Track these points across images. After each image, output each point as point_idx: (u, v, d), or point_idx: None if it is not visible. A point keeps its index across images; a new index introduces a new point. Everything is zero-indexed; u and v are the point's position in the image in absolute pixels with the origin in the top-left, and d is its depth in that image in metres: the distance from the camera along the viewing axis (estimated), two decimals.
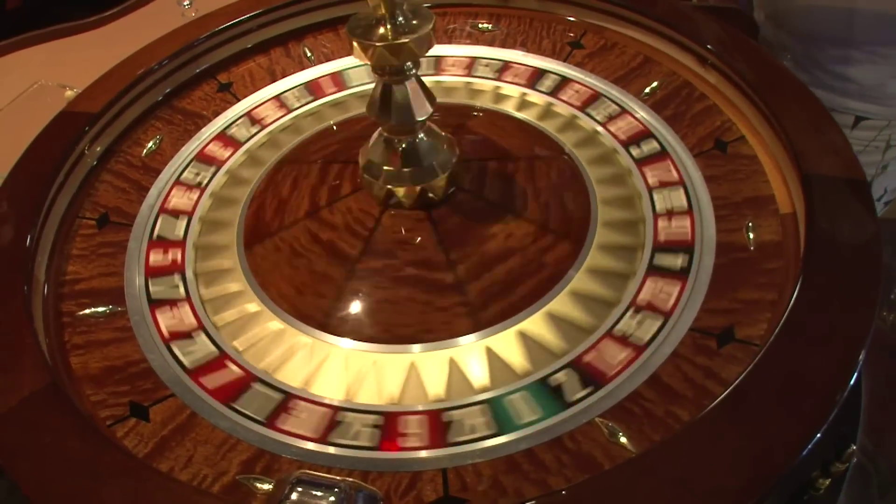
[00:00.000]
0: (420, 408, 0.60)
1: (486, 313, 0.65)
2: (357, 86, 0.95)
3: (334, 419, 0.59)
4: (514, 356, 0.63)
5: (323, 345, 0.65)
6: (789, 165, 0.72)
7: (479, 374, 0.62)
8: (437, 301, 0.67)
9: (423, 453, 0.56)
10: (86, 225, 0.79)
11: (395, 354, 0.64)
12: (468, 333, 0.64)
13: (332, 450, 0.57)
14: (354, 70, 0.97)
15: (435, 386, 0.61)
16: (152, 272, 0.74)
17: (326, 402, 0.61)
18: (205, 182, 0.83)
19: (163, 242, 0.77)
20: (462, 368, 0.62)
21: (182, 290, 0.72)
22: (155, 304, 0.71)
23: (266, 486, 0.55)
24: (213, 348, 0.66)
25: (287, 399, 0.61)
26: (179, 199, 0.82)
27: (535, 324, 0.65)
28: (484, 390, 0.60)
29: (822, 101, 0.74)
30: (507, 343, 0.63)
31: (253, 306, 0.69)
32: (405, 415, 0.59)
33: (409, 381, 0.62)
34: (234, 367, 0.64)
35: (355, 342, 0.65)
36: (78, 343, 0.68)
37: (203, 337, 0.67)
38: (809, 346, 0.56)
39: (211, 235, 0.77)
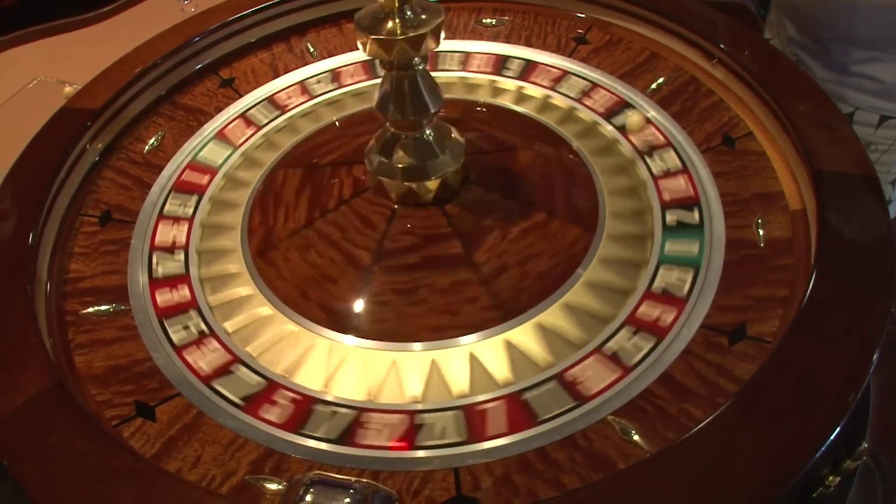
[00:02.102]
0: (440, 406, 0.59)
1: (510, 307, 0.65)
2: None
3: (359, 420, 0.59)
4: (534, 349, 0.62)
5: (340, 346, 0.64)
6: (798, 161, 0.72)
7: (498, 369, 0.61)
8: (456, 296, 0.66)
9: (435, 452, 0.56)
10: (88, 222, 0.79)
11: (411, 353, 0.63)
12: (490, 327, 0.64)
13: (342, 449, 0.57)
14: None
15: (459, 383, 0.61)
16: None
17: (347, 402, 0.60)
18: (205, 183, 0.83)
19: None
20: (483, 364, 0.62)
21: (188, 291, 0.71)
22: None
23: (275, 487, 0.55)
24: (223, 352, 0.65)
25: (305, 400, 0.61)
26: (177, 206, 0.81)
27: (553, 315, 0.64)
28: (508, 384, 0.60)
29: (848, 99, 0.73)
30: (526, 336, 0.63)
31: (265, 310, 0.68)
32: (425, 413, 0.59)
33: (431, 379, 0.61)
34: (245, 370, 0.64)
35: (369, 341, 0.64)
36: (82, 342, 0.67)
37: (214, 343, 0.66)
38: (823, 345, 0.55)
39: (213, 240, 0.77)
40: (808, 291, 0.58)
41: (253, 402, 0.61)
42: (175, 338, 0.67)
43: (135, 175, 0.84)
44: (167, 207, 0.80)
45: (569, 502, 0.49)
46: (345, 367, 0.63)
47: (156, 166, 0.85)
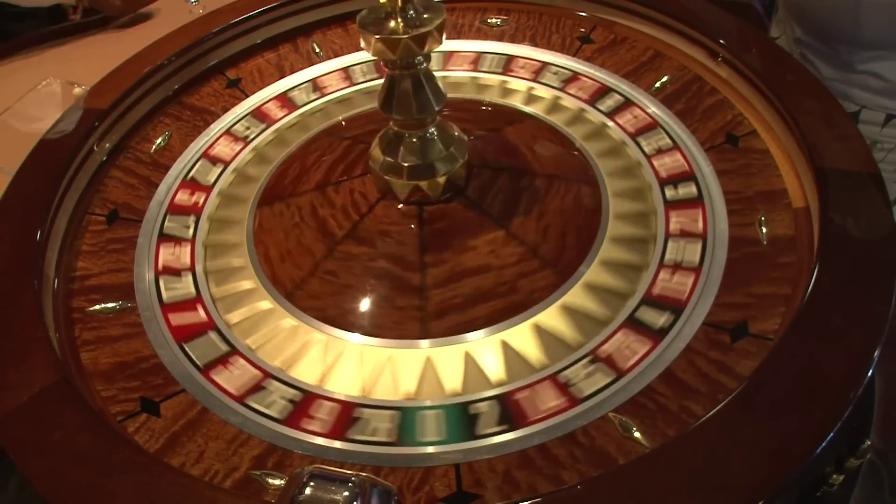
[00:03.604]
0: (434, 403, 0.59)
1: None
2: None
3: (351, 415, 0.59)
4: (530, 350, 0.62)
5: (336, 341, 0.65)
6: (802, 159, 0.72)
7: (495, 368, 0.61)
8: (424, 298, 0.67)
9: (436, 448, 0.56)
10: (95, 221, 0.79)
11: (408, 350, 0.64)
12: (484, 328, 0.64)
13: (344, 445, 0.57)
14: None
15: (451, 381, 0.61)
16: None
17: (341, 398, 0.61)
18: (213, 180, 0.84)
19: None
20: (478, 362, 0.62)
21: (193, 289, 0.72)
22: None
23: (278, 482, 0.55)
24: (224, 346, 0.66)
25: (304, 396, 0.61)
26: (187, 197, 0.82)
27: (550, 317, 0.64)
28: (501, 384, 0.60)
29: (853, 98, 0.73)
30: (522, 337, 0.63)
31: (265, 304, 0.69)
32: (420, 410, 0.59)
33: (425, 376, 0.61)
34: (244, 363, 0.64)
35: (367, 338, 0.65)
36: (88, 339, 0.67)
37: (214, 335, 0.67)
38: (824, 342, 0.55)
39: (220, 234, 0.78)
40: (811, 289, 0.58)
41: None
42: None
43: (142, 174, 0.85)
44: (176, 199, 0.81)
45: (568, 497, 0.49)
46: (341, 361, 0.63)
47: (163, 166, 0.85)
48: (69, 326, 0.68)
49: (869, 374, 0.53)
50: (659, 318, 0.63)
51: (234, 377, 0.63)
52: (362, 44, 0.64)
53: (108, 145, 0.87)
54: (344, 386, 0.61)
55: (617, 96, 0.86)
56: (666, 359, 0.60)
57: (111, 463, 0.52)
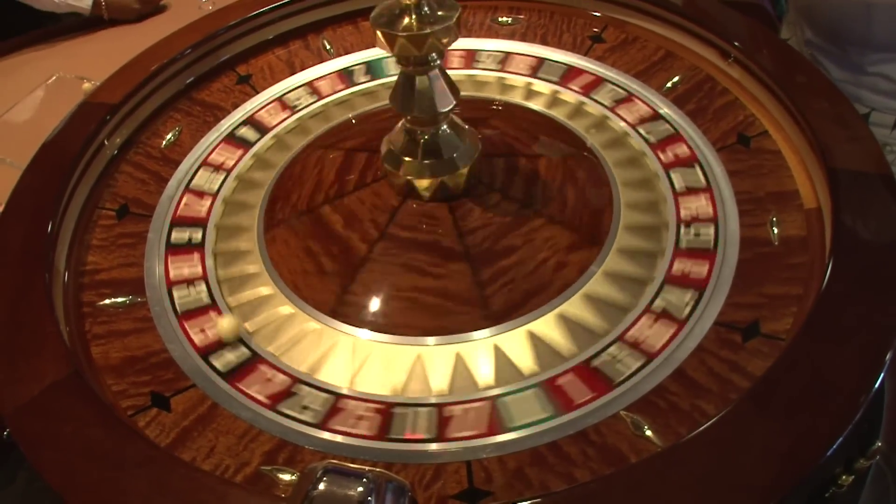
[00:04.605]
0: (464, 398, 0.59)
1: (506, 306, 0.65)
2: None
3: (389, 412, 0.59)
4: (557, 339, 0.63)
5: (334, 332, 0.65)
6: (814, 160, 0.72)
7: (525, 360, 0.62)
8: (451, 294, 0.66)
9: (448, 445, 0.56)
10: (105, 216, 0.79)
11: (408, 346, 0.64)
12: (485, 328, 0.64)
13: (354, 441, 0.57)
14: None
15: (484, 376, 0.61)
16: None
17: (372, 397, 0.61)
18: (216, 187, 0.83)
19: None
20: (474, 361, 0.62)
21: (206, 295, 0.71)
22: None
23: (289, 477, 0.55)
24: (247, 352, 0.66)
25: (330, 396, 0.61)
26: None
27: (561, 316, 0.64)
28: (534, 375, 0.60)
29: (863, 100, 0.73)
30: (548, 327, 0.64)
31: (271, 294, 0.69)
32: (452, 405, 0.59)
33: (457, 371, 0.62)
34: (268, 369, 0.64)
35: (372, 332, 0.65)
36: (98, 333, 0.67)
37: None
38: (837, 343, 0.55)
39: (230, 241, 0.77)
40: (823, 290, 0.58)
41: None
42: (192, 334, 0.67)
43: (152, 170, 0.85)
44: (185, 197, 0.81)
45: (580, 495, 0.49)
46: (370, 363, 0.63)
47: (173, 161, 0.85)
48: (80, 320, 0.69)
49: (881, 376, 0.53)
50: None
51: (263, 386, 0.63)
52: (379, 41, 0.64)
53: (118, 140, 0.87)
54: (373, 386, 0.61)
55: (619, 90, 0.87)
56: (677, 358, 0.60)
57: (123, 457, 0.52)
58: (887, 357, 0.54)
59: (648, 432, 0.55)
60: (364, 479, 0.43)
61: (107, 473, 0.52)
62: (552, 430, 0.56)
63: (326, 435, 0.58)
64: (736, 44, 0.84)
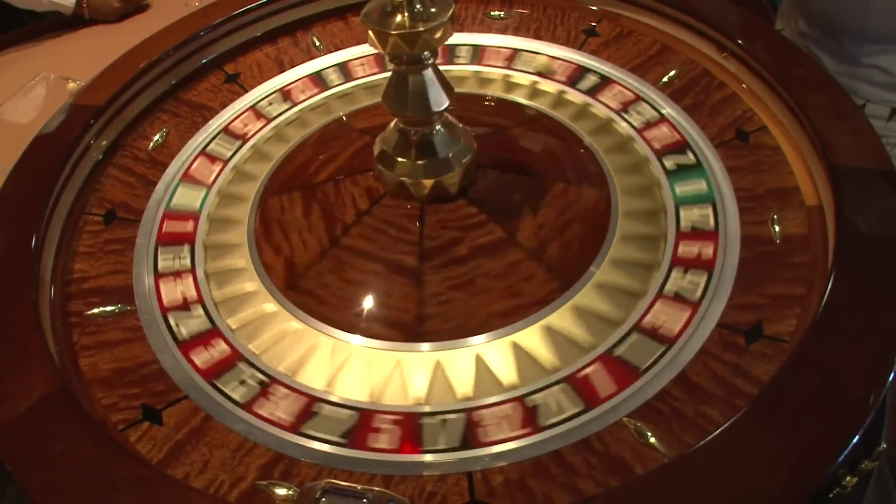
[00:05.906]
0: (447, 408, 0.58)
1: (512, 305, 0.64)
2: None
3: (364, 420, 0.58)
4: (541, 352, 0.61)
5: (344, 344, 0.63)
6: (814, 156, 0.70)
7: (506, 372, 0.60)
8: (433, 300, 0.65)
9: (448, 456, 0.55)
10: (92, 221, 0.77)
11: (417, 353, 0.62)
12: (493, 330, 0.63)
13: (352, 453, 0.56)
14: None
15: (462, 386, 0.59)
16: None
17: (352, 403, 0.59)
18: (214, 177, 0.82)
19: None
20: (488, 366, 0.61)
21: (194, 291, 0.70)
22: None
23: (285, 492, 0.53)
24: (225, 347, 0.64)
25: (310, 400, 0.60)
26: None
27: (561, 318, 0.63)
28: (513, 388, 0.59)
29: (859, 92, 0.72)
30: (532, 339, 0.62)
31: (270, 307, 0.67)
32: (429, 416, 0.58)
33: (435, 380, 0.60)
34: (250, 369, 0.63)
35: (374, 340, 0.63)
36: (87, 344, 0.66)
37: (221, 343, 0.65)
38: (843, 345, 0.54)
39: (221, 234, 0.76)
40: (828, 292, 0.57)
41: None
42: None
43: (139, 172, 0.83)
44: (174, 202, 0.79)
45: None
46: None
47: (160, 163, 0.84)
48: (67, 331, 0.67)
49: (890, 378, 0.52)
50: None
51: (238, 387, 0.61)
52: (370, 39, 0.62)
53: (104, 143, 0.85)
54: (352, 391, 0.60)
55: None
56: (680, 361, 0.59)
57: (113, 476, 0.51)
58: (895, 356, 0.53)
59: (652, 440, 0.54)
60: (364, 500, 0.41)
61: (97, 494, 0.50)
62: (554, 438, 0.55)
63: (323, 447, 0.56)
64: (732, 37, 0.82)
